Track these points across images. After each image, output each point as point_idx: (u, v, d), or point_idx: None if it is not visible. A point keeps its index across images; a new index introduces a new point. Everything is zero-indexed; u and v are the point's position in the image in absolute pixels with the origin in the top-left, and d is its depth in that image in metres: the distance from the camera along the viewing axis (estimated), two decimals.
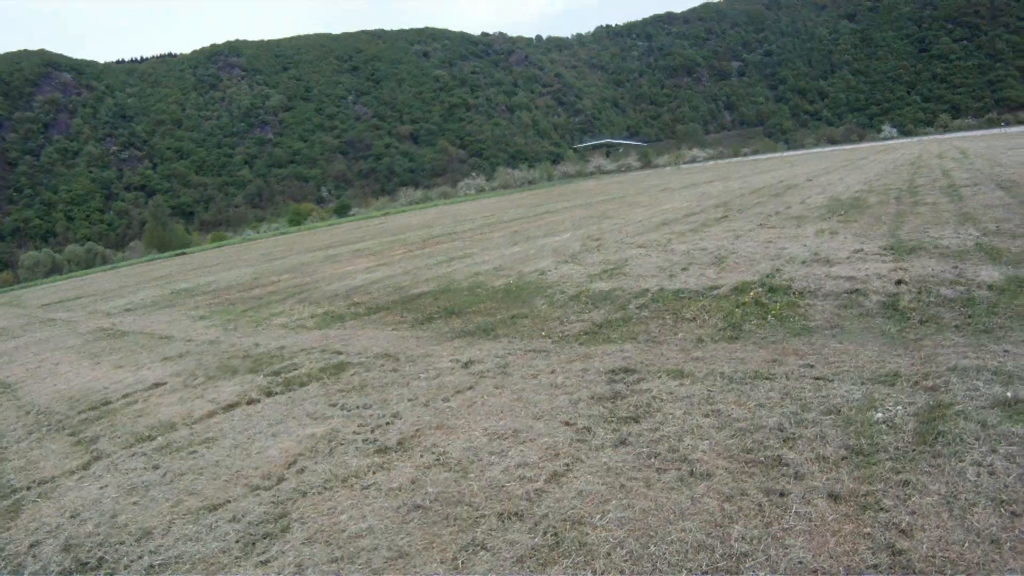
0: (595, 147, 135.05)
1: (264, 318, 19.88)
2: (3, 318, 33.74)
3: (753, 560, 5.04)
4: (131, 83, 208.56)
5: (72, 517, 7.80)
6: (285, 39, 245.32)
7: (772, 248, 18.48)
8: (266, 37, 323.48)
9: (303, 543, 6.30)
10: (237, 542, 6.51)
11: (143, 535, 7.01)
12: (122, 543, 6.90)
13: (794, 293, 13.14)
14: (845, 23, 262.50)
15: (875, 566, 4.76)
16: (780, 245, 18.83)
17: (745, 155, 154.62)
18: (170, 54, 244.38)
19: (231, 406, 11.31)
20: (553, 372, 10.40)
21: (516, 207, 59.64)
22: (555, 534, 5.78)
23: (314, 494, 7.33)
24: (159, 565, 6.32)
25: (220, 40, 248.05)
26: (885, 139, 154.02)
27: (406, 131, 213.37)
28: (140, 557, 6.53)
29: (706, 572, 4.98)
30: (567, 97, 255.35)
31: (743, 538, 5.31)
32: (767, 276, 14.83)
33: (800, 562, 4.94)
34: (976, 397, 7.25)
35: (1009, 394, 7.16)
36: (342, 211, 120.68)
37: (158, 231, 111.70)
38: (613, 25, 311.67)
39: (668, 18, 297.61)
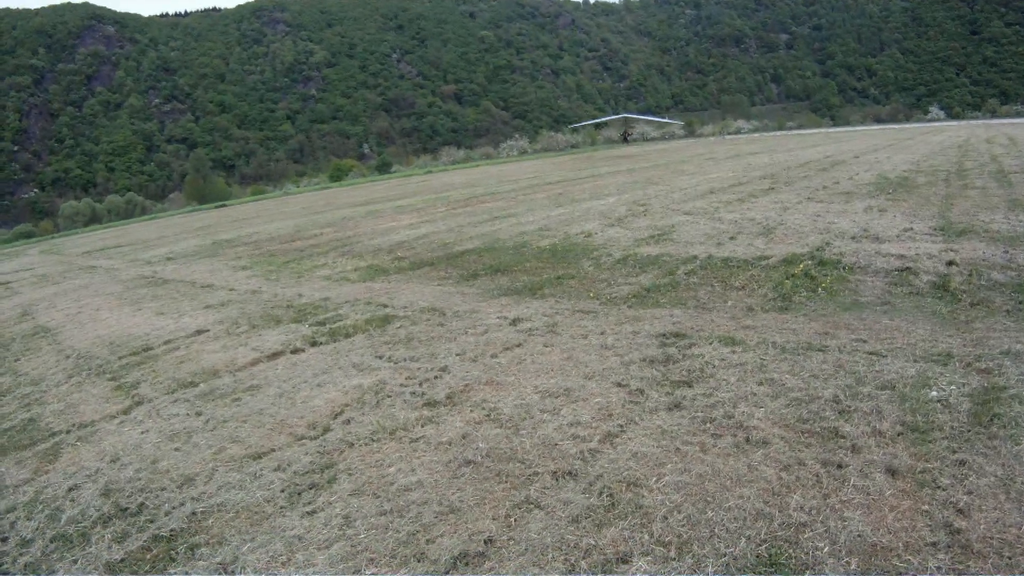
0: (600, 125, 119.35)
1: (306, 269, 19.87)
2: (43, 265, 33.94)
3: (812, 531, 4.95)
4: (174, 37, 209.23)
5: (112, 462, 7.73)
6: None
7: (821, 222, 18.28)
8: None
9: (351, 495, 6.17)
10: (282, 491, 6.40)
11: (185, 482, 6.93)
12: (163, 489, 6.83)
13: (844, 268, 13.02)
14: (896, 1, 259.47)
15: (934, 544, 4.70)
16: (829, 219, 18.62)
17: (790, 129, 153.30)
18: (214, 9, 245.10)
19: (275, 355, 11.23)
20: (603, 333, 10.27)
21: (559, 170, 59.49)
22: (610, 495, 5.64)
23: (361, 445, 7.22)
24: (201, 512, 6.23)
25: None
26: (932, 120, 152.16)
27: (450, 91, 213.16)
28: (182, 504, 6.44)
29: (765, 541, 4.88)
30: (612, 62, 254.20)
31: (801, 508, 5.22)
32: (817, 249, 14.67)
33: (859, 535, 4.86)
34: None
35: None
36: (383, 168, 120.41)
37: (198, 183, 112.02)
38: None
39: None
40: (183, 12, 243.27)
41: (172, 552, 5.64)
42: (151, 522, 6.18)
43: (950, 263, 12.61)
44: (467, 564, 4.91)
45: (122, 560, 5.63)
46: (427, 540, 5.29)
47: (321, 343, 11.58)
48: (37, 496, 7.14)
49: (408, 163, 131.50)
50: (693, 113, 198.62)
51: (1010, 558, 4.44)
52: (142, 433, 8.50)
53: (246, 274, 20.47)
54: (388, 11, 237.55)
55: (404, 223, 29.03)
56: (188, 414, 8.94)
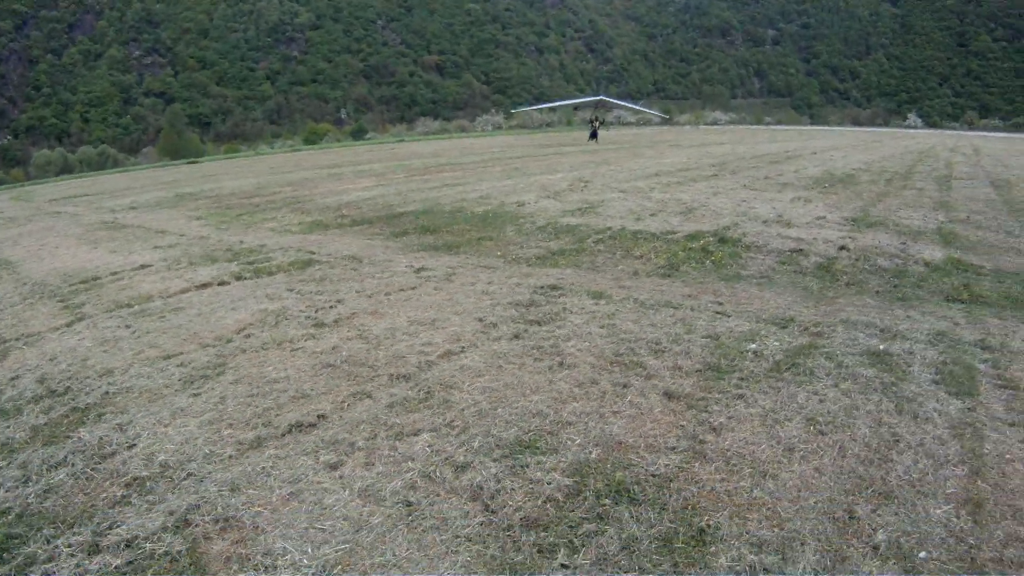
0: (577, 107, 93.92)
1: (256, 222, 20.87)
2: (11, 210, 34.31)
3: (573, 428, 6.25)
4: None
5: (50, 360, 8.99)
6: None
7: (743, 207, 19.54)
8: None
9: (230, 383, 7.60)
10: (179, 380, 7.80)
11: (105, 373, 8.26)
12: (87, 378, 8.14)
13: (741, 245, 14.26)
14: (887, 6, 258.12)
15: (673, 448, 5.86)
16: (751, 205, 19.90)
17: (767, 123, 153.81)
18: None
19: (204, 285, 12.57)
20: (491, 283, 11.68)
21: (526, 146, 60.45)
22: (428, 391, 7.14)
23: (252, 352, 8.64)
24: (113, 393, 7.59)
25: None
26: (909, 127, 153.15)
27: (432, 61, 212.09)
28: (99, 387, 7.77)
29: (531, 431, 6.23)
30: (598, 45, 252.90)
31: (574, 412, 6.55)
32: (724, 228, 15.97)
33: (611, 435, 6.10)
34: (850, 344, 8.30)
35: (882, 347, 8.16)
36: (358, 134, 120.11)
37: (173, 139, 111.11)
38: None
39: None
40: None
41: (84, 418, 6.96)
42: (72, 400, 7.51)
43: (842, 248, 13.94)
44: (300, 430, 6.36)
45: (45, 424, 6.94)
46: (276, 414, 6.74)
47: (245, 278, 12.95)
48: None
49: (384, 131, 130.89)
50: (673, 101, 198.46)
51: (734, 465, 5.58)
52: (78, 340, 9.80)
53: (199, 223, 21.41)
54: None
55: (360, 186, 29.94)
56: (119, 327, 10.27)
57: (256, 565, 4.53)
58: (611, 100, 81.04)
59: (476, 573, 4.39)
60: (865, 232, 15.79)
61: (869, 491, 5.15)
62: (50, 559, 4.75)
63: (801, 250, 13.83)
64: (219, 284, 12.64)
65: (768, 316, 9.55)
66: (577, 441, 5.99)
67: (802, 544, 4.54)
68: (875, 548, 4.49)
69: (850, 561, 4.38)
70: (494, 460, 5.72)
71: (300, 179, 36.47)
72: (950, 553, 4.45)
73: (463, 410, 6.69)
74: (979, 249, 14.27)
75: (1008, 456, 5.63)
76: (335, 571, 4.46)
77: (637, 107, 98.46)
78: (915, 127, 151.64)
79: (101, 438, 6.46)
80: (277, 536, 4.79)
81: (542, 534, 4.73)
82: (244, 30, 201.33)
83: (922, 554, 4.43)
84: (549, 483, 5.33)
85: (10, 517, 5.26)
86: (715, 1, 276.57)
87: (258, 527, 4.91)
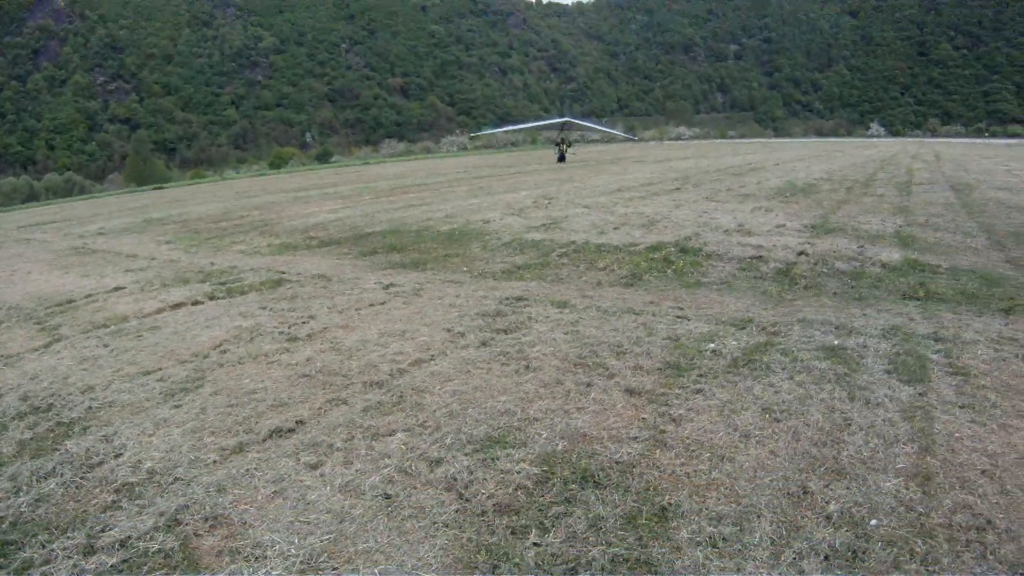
0: (518, 132, 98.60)
1: (225, 245, 21.02)
2: None
3: (540, 424, 6.66)
4: (124, 15, 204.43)
5: (31, 379, 9.20)
6: None
7: (704, 218, 20.00)
8: None
9: (210, 395, 7.89)
10: (160, 394, 8.08)
11: (87, 389, 8.50)
12: (69, 394, 8.37)
13: (702, 255, 14.70)
14: (848, 18, 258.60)
15: (635, 438, 6.28)
16: (713, 216, 20.35)
17: (731, 137, 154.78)
18: None
19: (178, 305, 12.84)
20: (458, 296, 12.06)
21: (491, 166, 60.71)
22: (400, 396, 7.51)
23: (229, 366, 8.94)
24: (96, 407, 7.84)
25: None
26: (871, 136, 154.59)
27: (396, 84, 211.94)
28: (82, 403, 8.02)
29: (500, 428, 6.62)
30: (561, 64, 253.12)
31: (540, 410, 6.96)
32: (685, 239, 16.43)
33: (576, 429, 6.52)
34: (806, 341, 8.75)
35: (836, 342, 8.62)
36: (324, 158, 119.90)
37: (139, 165, 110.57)
38: None
39: None
40: None
41: (69, 432, 7.20)
42: (56, 415, 7.73)
43: (801, 253, 14.41)
44: (280, 435, 6.66)
45: (31, 438, 7.16)
46: (255, 421, 7.05)
47: (218, 298, 13.23)
48: None
49: (349, 154, 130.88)
50: (637, 118, 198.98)
51: (693, 451, 6.00)
52: (58, 360, 10.02)
53: (169, 247, 21.57)
54: (340, 0, 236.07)
55: (326, 208, 30.18)
56: (98, 346, 10.51)
57: (247, 557, 4.83)
58: (577, 121, 75.38)
59: (453, 554, 4.72)
60: (824, 238, 16.28)
61: (822, 469, 5.58)
62: (47, 562, 4.98)
63: (761, 257, 14.28)
64: (193, 304, 12.90)
65: (727, 319, 9.99)
66: (544, 435, 6.37)
67: (758, 516, 4.94)
68: (828, 518, 4.90)
69: (804, 530, 4.79)
70: (466, 454, 6.08)
71: (267, 203, 36.58)
72: (900, 520, 4.86)
73: (435, 411, 7.04)
74: (936, 249, 14.76)
75: (957, 435, 6.08)
76: (321, 559, 4.77)
77: (603, 127, 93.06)
78: (878, 136, 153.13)
79: (88, 449, 6.70)
80: (265, 530, 5.10)
81: (514, 518, 5.09)
82: (208, 55, 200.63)
83: (872, 522, 4.83)
84: (519, 472, 5.70)
85: (4, 525, 5.48)
86: (677, 18, 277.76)
87: (246, 523, 5.21)
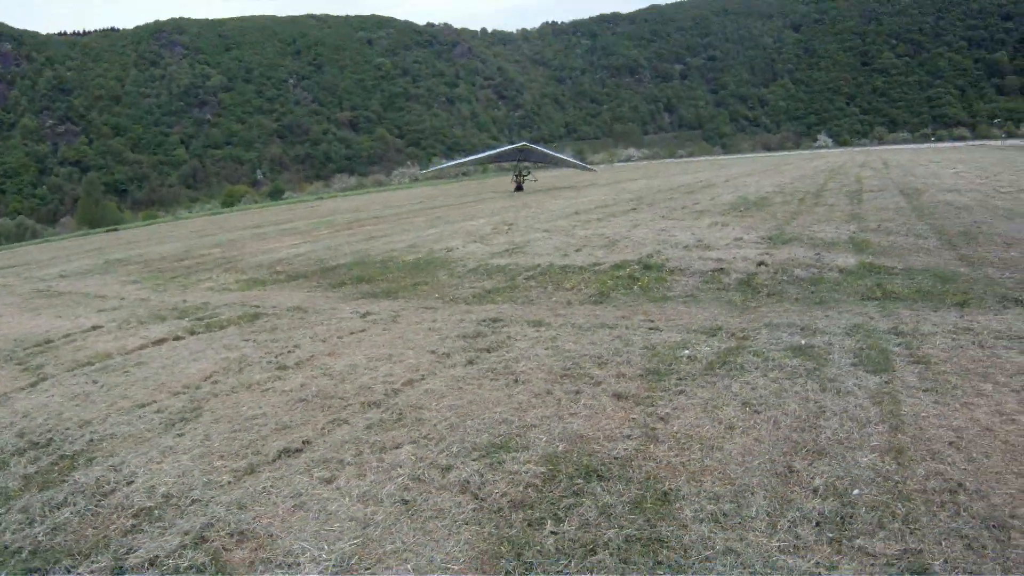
0: (496, 158, 76.03)
1: (192, 283, 21.12)
2: None
3: (538, 429, 7.02)
4: (72, 56, 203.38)
5: (24, 416, 9.28)
6: (230, 19, 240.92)
7: (663, 235, 20.46)
8: (211, 16, 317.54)
9: (211, 423, 8.10)
10: (160, 424, 8.25)
11: (84, 424, 8.63)
12: (67, 429, 8.49)
13: (666, 270, 15.16)
14: (790, 32, 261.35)
15: (629, 436, 6.70)
16: (671, 233, 20.83)
17: (680, 156, 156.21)
18: (113, 28, 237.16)
19: (160, 341, 12.98)
20: (435, 321, 12.39)
21: (445, 196, 61.16)
22: (400, 413, 7.80)
23: (223, 395, 9.14)
24: (97, 439, 7.98)
25: (164, 16, 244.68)
26: (819, 148, 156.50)
27: (345, 118, 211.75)
28: (82, 436, 8.15)
29: (501, 435, 6.96)
30: (508, 91, 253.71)
31: (536, 417, 7.33)
32: (647, 256, 16.90)
33: (573, 431, 6.92)
34: (775, 342, 9.29)
35: (803, 342, 9.17)
36: (276, 195, 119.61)
37: (91, 208, 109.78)
38: (559, 22, 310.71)
39: (614, 18, 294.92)
40: (82, 31, 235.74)
41: (74, 464, 7.34)
42: (57, 449, 7.85)
43: (760, 263, 14.93)
44: (289, 455, 6.92)
45: (36, 472, 7.28)
46: (262, 444, 7.29)
47: (199, 332, 13.39)
48: None
49: (301, 190, 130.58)
50: (586, 142, 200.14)
51: (684, 443, 6.46)
52: (48, 397, 10.12)
53: (136, 287, 21.65)
54: (287, 36, 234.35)
55: (287, 243, 30.41)
56: (86, 383, 10.62)
57: (280, 564, 5.09)
58: (534, 146, 67.04)
59: (478, 547, 5.07)
60: (781, 248, 16.82)
61: (804, 451, 6.08)
62: None
63: (722, 269, 14.79)
64: (174, 339, 13.04)
65: (697, 327, 10.48)
66: (543, 439, 6.75)
67: (752, 494, 5.40)
68: (815, 491, 5.37)
69: (794, 502, 5.25)
70: (473, 460, 6.43)
71: (226, 240, 36.67)
72: (879, 488, 5.36)
73: (435, 425, 7.37)
74: (890, 252, 15.33)
75: (923, 414, 6.65)
76: (352, 560, 5.05)
77: (562, 155, 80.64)
78: (826, 147, 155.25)
79: (98, 479, 6.86)
80: (292, 539, 5.36)
81: (528, 512, 5.47)
82: (156, 95, 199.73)
83: (855, 491, 5.33)
84: (526, 472, 6.09)
85: (23, 555, 5.62)
86: (621, 40, 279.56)
87: (272, 535, 5.46)
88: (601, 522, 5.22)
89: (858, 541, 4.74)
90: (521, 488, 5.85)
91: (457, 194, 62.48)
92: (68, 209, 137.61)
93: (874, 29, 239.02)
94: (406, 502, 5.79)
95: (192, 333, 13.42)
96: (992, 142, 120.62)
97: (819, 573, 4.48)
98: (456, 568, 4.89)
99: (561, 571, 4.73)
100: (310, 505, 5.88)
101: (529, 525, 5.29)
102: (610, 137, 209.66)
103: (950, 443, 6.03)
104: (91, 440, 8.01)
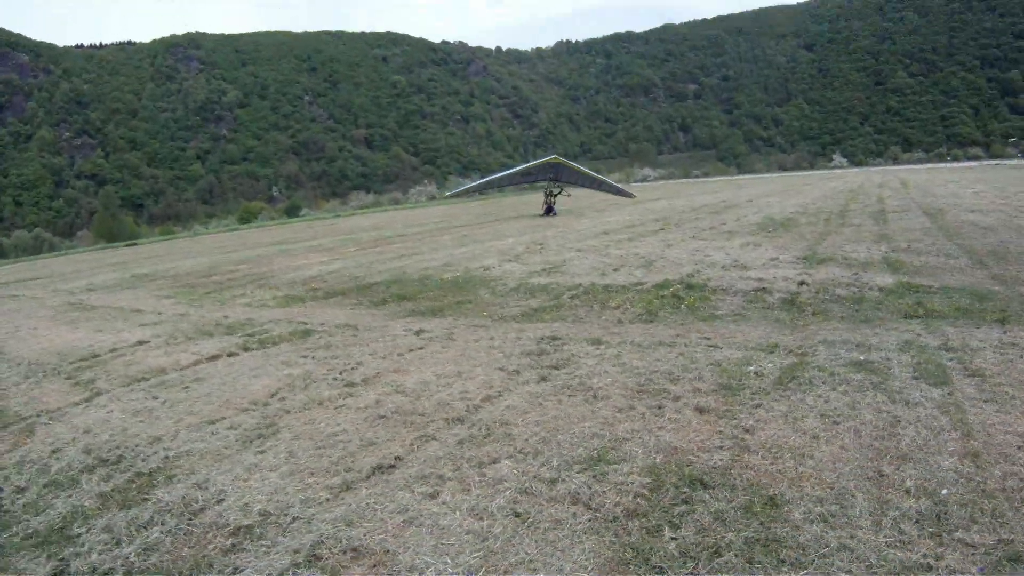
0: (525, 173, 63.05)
1: (227, 299, 21.11)
2: None
3: (632, 443, 7.16)
4: (88, 69, 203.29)
5: (85, 432, 9.25)
6: (246, 34, 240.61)
7: (698, 255, 20.59)
8: (227, 31, 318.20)
9: (291, 439, 8.11)
10: (236, 441, 8.25)
11: (153, 440, 8.60)
12: (136, 446, 8.46)
13: (708, 290, 15.23)
14: (803, 52, 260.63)
15: (721, 447, 6.92)
16: (705, 253, 20.96)
17: (695, 176, 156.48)
18: (130, 42, 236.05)
19: (214, 357, 12.96)
20: (492, 339, 12.43)
21: (466, 215, 61.09)
22: (487, 429, 7.86)
23: (296, 412, 9.15)
24: (172, 456, 7.96)
25: (181, 31, 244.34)
26: (835, 168, 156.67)
27: (360, 135, 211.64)
28: (155, 452, 8.13)
29: (596, 449, 7.06)
30: (523, 110, 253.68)
31: (626, 431, 7.47)
32: (687, 276, 17.00)
33: (667, 443, 7.09)
34: (834, 358, 9.54)
35: (862, 357, 9.45)
36: (292, 211, 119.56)
37: (108, 221, 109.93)
38: (573, 41, 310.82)
39: (628, 37, 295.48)
40: (99, 44, 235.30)
41: (153, 481, 7.31)
42: (131, 466, 7.81)
43: (801, 283, 15.08)
44: (382, 471, 6.93)
45: (111, 490, 7.24)
46: (352, 460, 7.30)
47: (252, 349, 13.41)
48: (23, 459, 8.52)
49: (318, 207, 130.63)
50: (601, 161, 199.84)
51: (775, 452, 6.69)
52: (107, 413, 10.09)
53: (170, 302, 21.65)
54: (302, 52, 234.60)
55: (316, 260, 30.37)
56: (146, 398, 10.62)
57: None
58: (567, 162, 57.18)
59: (604, 555, 5.18)
60: (818, 268, 16.95)
61: (888, 457, 6.48)
62: None
63: (764, 288, 14.88)
64: (228, 355, 13.03)
65: (754, 345, 10.65)
66: (639, 451, 6.92)
67: (852, 496, 5.79)
68: (907, 491, 5.81)
69: (892, 502, 5.65)
70: (577, 472, 6.55)
71: (252, 256, 36.72)
72: (964, 487, 5.80)
73: (527, 440, 7.45)
74: (924, 272, 15.55)
75: (989, 423, 7.08)
76: (479, 574, 5.09)
77: (603, 177, 66.66)
78: (841, 167, 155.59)
79: (184, 497, 6.83)
80: (412, 555, 5.38)
81: (643, 520, 5.62)
82: (173, 110, 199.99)
83: (944, 491, 5.75)
84: (632, 483, 6.24)
85: None
86: (635, 60, 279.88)
87: (388, 551, 5.46)
88: (717, 527, 5.41)
89: (957, 534, 5.14)
90: (631, 497, 5.97)
91: (477, 213, 62.31)
92: (84, 222, 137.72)
93: (887, 48, 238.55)
94: (518, 515, 5.86)
95: (246, 349, 13.42)
96: (1008, 161, 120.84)
97: (928, 564, 4.83)
98: None
99: (690, 573, 4.91)
100: (421, 520, 5.90)
101: (647, 532, 5.43)
102: (625, 156, 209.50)
103: (1018, 447, 6.49)
104: (166, 457, 7.99)
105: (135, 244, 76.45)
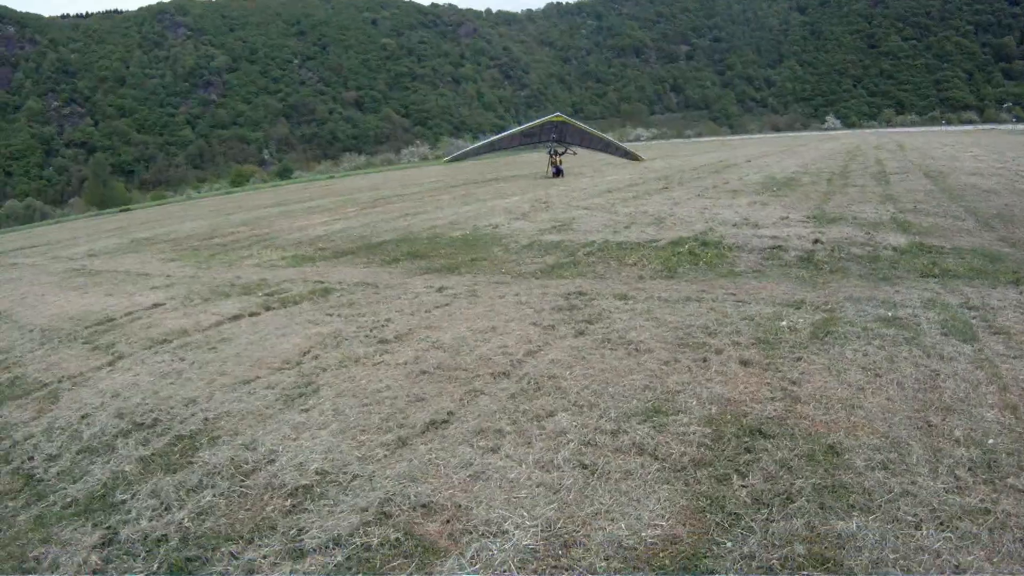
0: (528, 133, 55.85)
1: (234, 260, 20.94)
2: None
3: (684, 394, 7.22)
4: (75, 38, 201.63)
5: (114, 396, 9.10)
6: (232, 0, 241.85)
7: (707, 213, 20.55)
8: None
9: (335, 397, 8.05)
10: (277, 400, 8.18)
11: (189, 402, 8.50)
12: (171, 408, 8.36)
13: (724, 247, 15.24)
14: (796, 15, 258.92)
15: (772, 398, 7.03)
16: (714, 211, 20.92)
17: (688, 137, 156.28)
18: (116, 11, 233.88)
19: (236, 317, 12.87)
20: (517, 295, 12.42)
21: (462, 174, 60.63)
22: (536, 383, 7.84)
23: (333, 370, 9.09)
24: (212, 418, 7.87)
25: None
26: (828, 129, 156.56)
27: (351, 97, 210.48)
28: (193, 415, 8.03)
29: (650, 401, 7.10)
30: (514, 71, 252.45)
31: (676, 383, 7.54)
32: (701, 233, 16.98)
33: (719, 395, 7.17)
34: (863, 315, 9.65)
35: (889, 314, 9.57)
36: (284, 174, 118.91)
37: (99, 189, 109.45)
38: (563, 3, 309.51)
39: None
40: (84, 13, 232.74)
41: (196, 444, 7.22)
42: (168, 429, 7.70)
43: (816, 241, 15.13)
44: (437, 427, 6.88)
45: (152, 454, 7.11)
46: (403, 416, 7.27)
47: (274, 308, 13.32)
48: (51, 426, 8.38)
49: (309, 169, 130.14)
50: (593, 122, 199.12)
51: (826, 403, 6.80)
52: (134, 376, 9.94)
53: (176, 264, 21.46)
54: (290, 16, 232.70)
55: (317, 221, 30.25)
56: (172, 360, 10.50)
57: (484, 533, 5.06)
58: (571, 120, 53.27)
59: (680, 504, 5.26)
60: (829, 227, 17.01)
61: (933, 408, 6.67)
62: (251, 572, 5.00)
63: (780, 246, 14.92)
64: (250, 315, 12.94)
65: (781, 301, 10.73)
66: (694, 403, 7.00)
67: (907, 444, 6.00)
68: (957, 441, 6.01)
69: (944, 451, 5.86)
70: (638, 424, 6.60)
71: (251, 219, 36.46)
72: (1008, 437, 6.03)
73: (579, 392, 7.46)
74: (935, 233, 15.62)
75: (1021, 378, 7.25)
76: (559, 524, 5.08)
77: (609, 138, 63.24)
78: (835, 128, 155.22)
79: (232, 458, 6.74)
80: (486, 509, 5.35)
81: (710, 469, 5.71)
82: (161, 76, 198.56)
83: (990, 440, 5.98)
84: (693, 434, 6.33)
85: (173, 543, 5.45)
86: (627, 21, 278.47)
87: (460, 506, 5.42)
88: (783, 474, 5.53)
89: (1009, 480, 5.36)
90: (695, 447, 6.06)
91: (474, 172, 62.19)
92: (75, 190, 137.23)
93: (881, 12, 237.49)
94: (586, 466, 5.87)
95: (267, 308, 13.33)
96: (1002, 126, 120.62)
97: (986, 508, 5.02)
98: (665, 524, 5.00)
99: (766, 519, 4.98)
100: (488, 474, 5.89)
101: (717, 480, 5.53)
102: (617, 117, 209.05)
103: None
104: (205, 419, 7.89)
105: (128, 210, 76.09)
